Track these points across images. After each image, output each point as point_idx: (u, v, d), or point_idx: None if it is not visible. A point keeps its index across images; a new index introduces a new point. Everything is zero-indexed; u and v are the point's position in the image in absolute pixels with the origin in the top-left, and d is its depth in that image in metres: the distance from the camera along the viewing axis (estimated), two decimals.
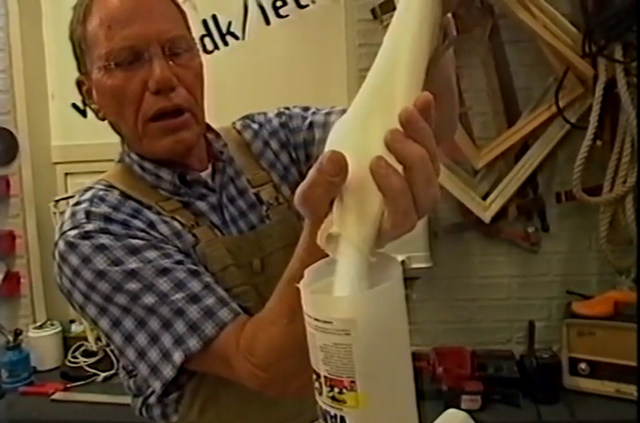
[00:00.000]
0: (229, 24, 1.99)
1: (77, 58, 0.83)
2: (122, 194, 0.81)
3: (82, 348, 2.01)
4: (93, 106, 0.84)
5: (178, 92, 0.77)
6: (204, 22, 1.98)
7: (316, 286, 0.43)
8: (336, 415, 0.42)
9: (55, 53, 2.10)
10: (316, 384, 0.43)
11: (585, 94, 1.73)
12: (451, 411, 0.67)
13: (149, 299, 0.71)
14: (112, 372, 1.87)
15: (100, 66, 0.77)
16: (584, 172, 1.71)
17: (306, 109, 0.95)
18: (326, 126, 0.91)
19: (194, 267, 0.75)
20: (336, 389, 0.42)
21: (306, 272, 0.44)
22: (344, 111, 0.93)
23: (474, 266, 1.91)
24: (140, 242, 0.75)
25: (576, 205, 1.82)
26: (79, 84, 0.85)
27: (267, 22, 2.00)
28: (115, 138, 0.88)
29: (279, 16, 1.99)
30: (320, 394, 0.43)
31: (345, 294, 0.41)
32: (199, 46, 0.85)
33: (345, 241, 0.42)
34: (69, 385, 1.84)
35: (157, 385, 0.73)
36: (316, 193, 0.43)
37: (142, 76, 0.76)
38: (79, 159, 2.11)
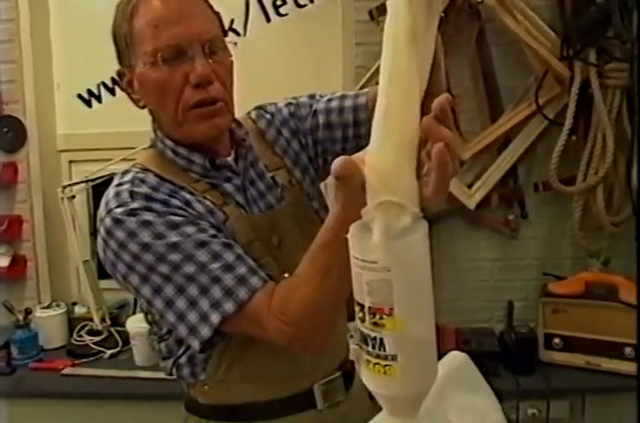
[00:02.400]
0: (232, 21, 2.03)
1: (119, 52, 0.89)
2: (157, 176, 0.88)
3: (86, 328, 2.01)
4: (133, 96, 0.91)
5: (215, 85, 0.86)
6: None
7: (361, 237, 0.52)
8: (376, 337, 0.50)
9: (61, 45, 2.12)
10: (360, 314, 0.51)
11: (562, 94, 1.79)
12: (454, 352, 0.79)
13: (190, 268, 0.78)
14: (118, 349, 1.92)
15: (146, 61, 0.84)
16: (560, 164, 1.77)
17: (312, 97, 1.04)
18: (328, 112, 1.00)
19: (227, 240, 0.83)
20: (377, 316, 0.49)
21: (351, 227, 0.53)
22: (343, 96, 1.05)
23: (459, 250, 1.96)
24: (180, 219, 0.81)
25: (552, 195, 1.89)
26: (120, 75, 0.91)
27: (268, 20, 2.04)
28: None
29: (279, 14, 2.03)
30: (363, 321, 0.51)
31: (389, 240, 0.51)
32: None
33: (386, 205, 0.51)
34: (77, 361, 1.86)
35: (195, 344, 0.80)
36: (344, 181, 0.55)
37: (184, 70, 0.83)
38: (83, 148, 2.11)
